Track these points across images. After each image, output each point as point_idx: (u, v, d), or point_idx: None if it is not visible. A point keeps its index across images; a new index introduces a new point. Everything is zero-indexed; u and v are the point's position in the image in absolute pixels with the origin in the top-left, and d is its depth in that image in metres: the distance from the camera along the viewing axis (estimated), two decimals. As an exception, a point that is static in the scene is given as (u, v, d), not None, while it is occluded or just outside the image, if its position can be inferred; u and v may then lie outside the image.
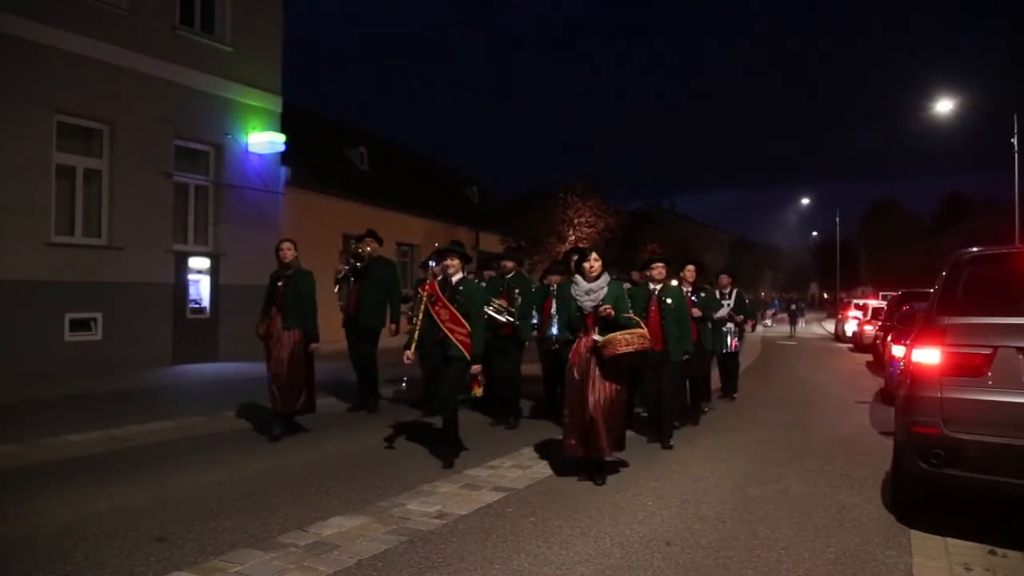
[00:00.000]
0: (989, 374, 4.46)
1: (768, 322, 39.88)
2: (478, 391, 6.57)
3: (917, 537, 4.64)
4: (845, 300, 38.28)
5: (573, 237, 23.33)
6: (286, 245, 7.47)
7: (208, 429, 7.64)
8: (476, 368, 6.38)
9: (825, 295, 71.44)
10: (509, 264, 8.98)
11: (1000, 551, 4.38)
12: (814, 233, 71.10)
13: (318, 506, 5.04)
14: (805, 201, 64.83)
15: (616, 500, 5.43)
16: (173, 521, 4.61)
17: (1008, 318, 4.54)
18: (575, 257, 7.08)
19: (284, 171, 15.03)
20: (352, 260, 8.90)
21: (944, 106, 20.41)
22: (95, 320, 11.34)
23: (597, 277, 5.98)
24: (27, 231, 10.36)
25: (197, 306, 13.22)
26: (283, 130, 14.62)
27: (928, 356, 4.69)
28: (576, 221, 24.09)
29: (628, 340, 5.62)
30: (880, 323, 18.38)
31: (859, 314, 25.86)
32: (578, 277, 6.03)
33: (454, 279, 6.48)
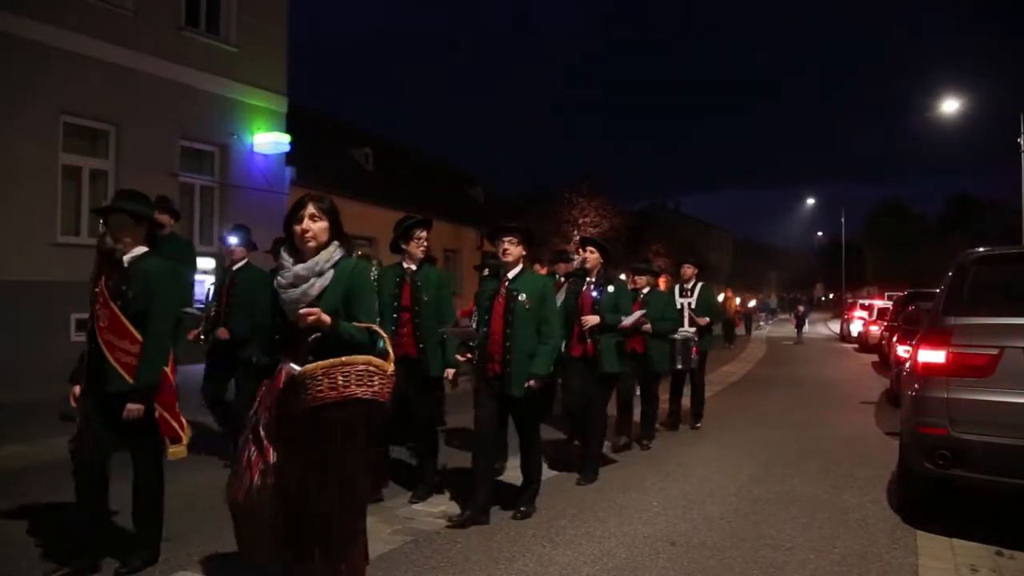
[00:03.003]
0: (995, 374, 4.45)
1: (763, 323, 39.25)
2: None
3: (923, 538, 4.63)
4: (851, 300, 38.20)
5: (577, 237, 23.33)
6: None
7: (214, 427, 7.63)
8: (133, 408, 3.68)
9: (824, 297, 71.21)
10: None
11: (1007, 552, 4.36)
12: (819, 233, 71.01)
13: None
14: (811, 201, 64.69)
15: (621, 501, 5.43)
16: (178, 521, 4.62)
17: (1014, 318, 4.53)
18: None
19: (289, 171, 15.05)
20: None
21: (950, 106, 20.35)
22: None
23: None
24: (33, 232, 10.39)
25: (202, 306, 13.21)
26: (288, 130, 14.65)
27: (934, 356, 4.68)
28: (581, 221, 24.11)
29: (336, 378, 2.85)
30: (886, 323, 18.33)
31: (865, 314, 25.81)
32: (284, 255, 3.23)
33: (127, 256, 3.94)
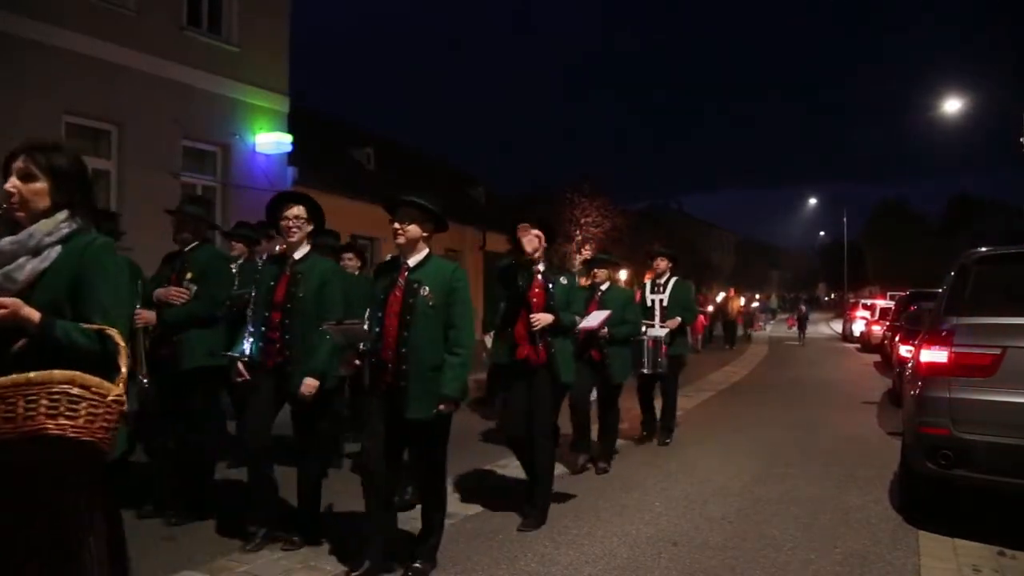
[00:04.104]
0: (998, 374, 4.45)
1: (763, 325, 38.92)
2: None
3: (925, 538, 4.63)
4: (853, 300, 38.15)
5: (580, 237, 23.33)
6: None
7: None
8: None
9: (826, 297, 71.11)
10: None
11: (1009, 552, 4.36)
12: (821, 233, 70.95)
13: (326, 506, 5.04)
14: (813, 201, 64.66)
15: (623, 500, 5.43)
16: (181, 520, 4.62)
17: (1016, 318, 4.52)
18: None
19: (291, 171, 15.05)
20: None
21: (952, 105, 20.33)
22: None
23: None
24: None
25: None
26: (290, 131, 14.65)
27: (936, 356, 4.68)
28: (583, 221, 24.10)
29: (17, 405, 1.90)
30: (888, 323, 18.32)
31: (867, 314, 25.79)
32: None
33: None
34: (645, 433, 7.69)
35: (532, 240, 4.87)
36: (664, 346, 7.03)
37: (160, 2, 12.32)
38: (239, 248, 6.27)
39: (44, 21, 10.55)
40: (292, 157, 15.03)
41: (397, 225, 3.81)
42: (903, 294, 19.52)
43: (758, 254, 74.18)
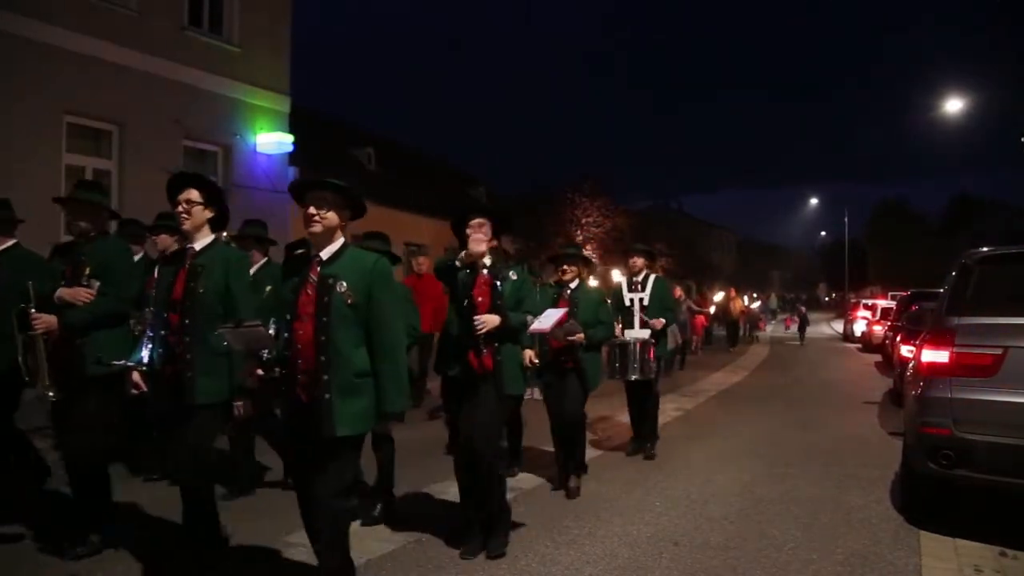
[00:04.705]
0: (999, 374, 4.44)
1: (764, 328, 38.66)
2: None
3: (926, 538, 4.62)
4: (854, 300, 38.11)
5: (581, 237, 23.31)
6: None
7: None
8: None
9: (826, 297, 71.05)
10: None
11: (1011, 552, 4.36)
12: (822, 233, 70.91)
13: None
14: (814, 201, 64.65)
15: (624, 501, 5.43)
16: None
17: (1018, 318, 4.52)
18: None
19: (292, 172, 15.05)
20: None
21: (953, 105, 20.31)
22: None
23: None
24: (37, 232, 10.38)
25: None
26: (291, 131, 14.66)
27: (938, 356, 4.68)
28: (584, 221, 24.08)
29: None
30: (889, 323, 18.30)
31: (868, 314, 25.76)
32: None
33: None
34: (636, 447, 7.11)
35: (480, 241, 4.21)
36: (651, 348, 6.62)
37: (161, 2, 12.33)
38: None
39: (45, 21, 10.56)
40: (293, 157, 15.04)
41: (313, 210, 3.25)
42: (904, 294, 19.51)
43: (759, 254, 74.16)
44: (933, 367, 4.70)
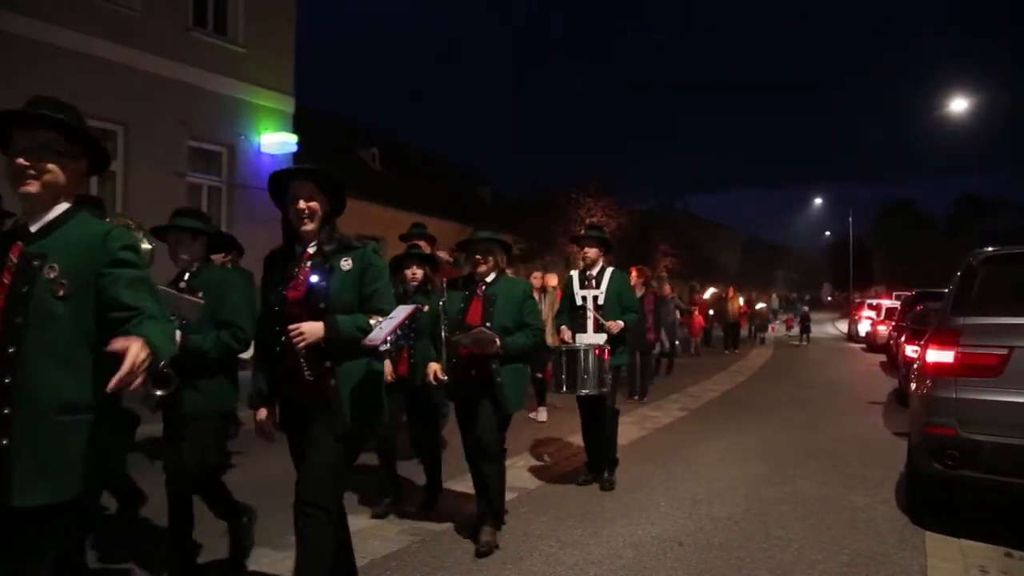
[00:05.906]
0: (1005, 374, 4.43)
1: (775, 326, 38.48)
2: None
3: (932, 539, 4.61)
4: (858, 300, 38.03)
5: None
6: None
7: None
8: None
9: (828, 297, 70.90)
10: None
11: (1016, 553, 4.35)
12: (827, 233, 70.72)
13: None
14: (818, 201, 64.50)
15: (628, 501, 5.42)
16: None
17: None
18: None
19: (296, 172, 15.11)
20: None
21: (959, 105, 20.27)
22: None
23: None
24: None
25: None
26: (295, 131, 14.69)
27: (943, 356, 4.67)
28: (588, 221, 24.09)
29: None
30: (894, 323, 18.26)
31: (872, 314, 25.71)
32: None
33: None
34: (591, 475, 5.90)
35: (302, 213, 3.08)
36: (607, 355, 5.44)
37: (166, 3, 12.38)
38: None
39: (49, 21, 10.60)
40: (297, 157, 15.06)
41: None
42: (909, 294, 19.47)
43: (764, 254, 74.08)
44: (938, 367, 4.69)
